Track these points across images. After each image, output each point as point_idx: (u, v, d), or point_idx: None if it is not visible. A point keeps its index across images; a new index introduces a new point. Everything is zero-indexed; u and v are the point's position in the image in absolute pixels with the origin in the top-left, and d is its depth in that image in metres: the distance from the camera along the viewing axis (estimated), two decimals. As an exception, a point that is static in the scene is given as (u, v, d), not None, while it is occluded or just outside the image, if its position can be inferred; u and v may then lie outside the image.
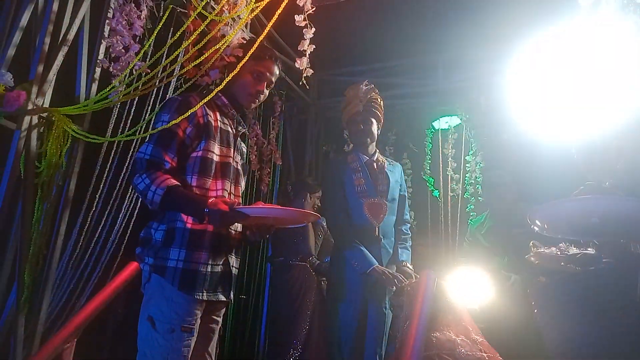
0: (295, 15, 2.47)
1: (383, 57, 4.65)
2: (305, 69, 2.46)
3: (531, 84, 3.16)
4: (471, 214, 4.15)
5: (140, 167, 1.72)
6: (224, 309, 1.96)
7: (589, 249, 2.24)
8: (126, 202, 2.92)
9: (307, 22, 2.45)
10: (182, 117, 1.76)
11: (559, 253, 2.35)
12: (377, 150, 2.90)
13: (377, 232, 2.69)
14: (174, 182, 1.71)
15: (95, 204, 2.82)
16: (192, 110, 1.78)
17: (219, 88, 1.91)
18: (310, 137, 4.80)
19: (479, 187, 4.13)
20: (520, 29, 3.13)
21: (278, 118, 4.21)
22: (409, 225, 2.90)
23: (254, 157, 3.92)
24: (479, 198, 4.08)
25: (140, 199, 1.84)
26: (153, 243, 1.76)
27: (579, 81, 2.65)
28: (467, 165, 4.32)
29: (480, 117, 4.16)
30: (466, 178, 4.29)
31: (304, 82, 2.43)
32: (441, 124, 4.31)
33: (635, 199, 1.59)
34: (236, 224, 1.86)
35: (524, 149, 3.66)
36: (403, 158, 4.54)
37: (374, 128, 2.83)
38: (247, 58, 1.89)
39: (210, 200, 1.68)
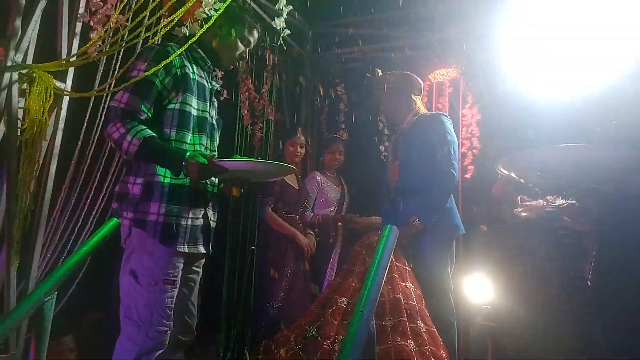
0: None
1: (379, 8, 4.51)
2: (283, 29, 2.38)
3: (528, 35, 3.06)
4: (468, 167, 4.13)
5: (114, 116, 1.71)
6: (203, 260, 2.01)
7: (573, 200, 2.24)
8: (116, 157, 2.93)
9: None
10: (160, 65, 1.73)
11: (545, 204, 2.36)
12: (412, 114, 2.99)
13: (391, 193, 2.91)
14: (150, 132, 1.70)
15: (84, 160, 2.84)
16: (169, 59, 1.75)
17: (194, 38, 1.87)
18: (305, 92, 4.73)
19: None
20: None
21: (271, 72, 4.13)
22: (443, 176, 2.74)
23: (245, 112, 3.89)
24: (473, 150, 4.05)
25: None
26: (131, 197, 1.77)
27: (575, 32, 2.57)
28: (463, 119, 4.25)
29: (477, 69, 4.06)
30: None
31: (282, 42, 2.37)
32: (437, 76, 4.22)
33: (606, 147, 1.57)
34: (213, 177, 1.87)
35: (522, 101, 3.59)
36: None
37: (387, 105, 3.07)
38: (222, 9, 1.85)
39: (188, 153, 1.68)
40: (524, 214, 2.46)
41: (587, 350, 1.69)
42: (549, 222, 1.80)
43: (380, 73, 3.12)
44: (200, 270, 2.00)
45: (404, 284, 2.56)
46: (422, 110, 3.05)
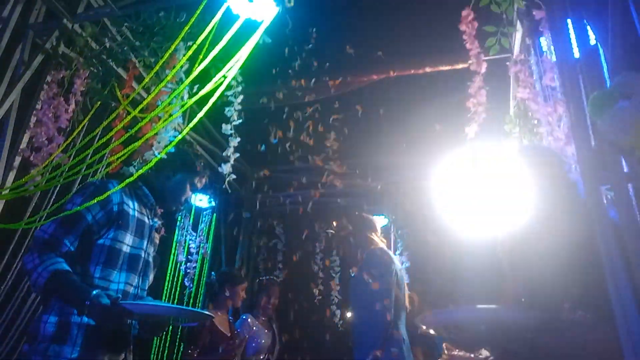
0: (223, 125, 2.63)
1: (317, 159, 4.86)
2: (229, 174, 2.54)
3: (447, 191, 3.37)
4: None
5: (34, 246, 1.66)
6: None
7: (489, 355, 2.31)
8: (32, 294, 2.76)
9: (233, 132, 2.61)
10: (94, 200, 1.71)
11: (472, 356, 2.39)
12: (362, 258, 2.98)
13: None
14: (64, 267, 1.62)
15: (-2, 295, 2.66)
16: (103, 197, 1.74)
17: (133, 178, 1.88)
18: (243, 232, 4.80)
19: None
20: (436, 139, 3.42)
21: (209, 211, 4.22)
22: (376, 319, 2.70)
23: (181, 249, 3.87)
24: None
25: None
26: (42, 339, 1.64)
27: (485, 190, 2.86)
28: (394, 264, 4.41)
29: (405, 218, 4.35)
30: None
31: (227, 186, 2.51)
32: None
33: (517, 309, 1.69)
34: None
35: (449, 248, 3.82)
36: (333, 255, 4.62)
37: (349, 250, 3.10)
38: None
39: (94, 292, 1.58)
40: None
41: None
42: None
43: (335, 224, 3.29)
44: None
45: None
46: (379, 245, 3.02)
